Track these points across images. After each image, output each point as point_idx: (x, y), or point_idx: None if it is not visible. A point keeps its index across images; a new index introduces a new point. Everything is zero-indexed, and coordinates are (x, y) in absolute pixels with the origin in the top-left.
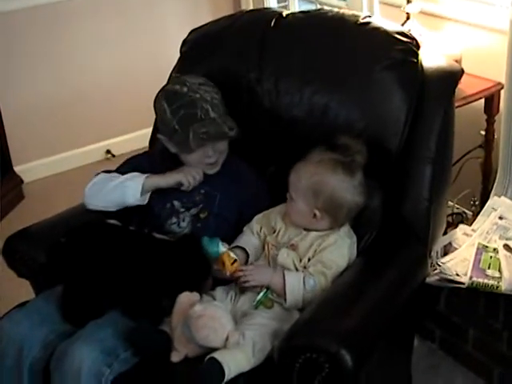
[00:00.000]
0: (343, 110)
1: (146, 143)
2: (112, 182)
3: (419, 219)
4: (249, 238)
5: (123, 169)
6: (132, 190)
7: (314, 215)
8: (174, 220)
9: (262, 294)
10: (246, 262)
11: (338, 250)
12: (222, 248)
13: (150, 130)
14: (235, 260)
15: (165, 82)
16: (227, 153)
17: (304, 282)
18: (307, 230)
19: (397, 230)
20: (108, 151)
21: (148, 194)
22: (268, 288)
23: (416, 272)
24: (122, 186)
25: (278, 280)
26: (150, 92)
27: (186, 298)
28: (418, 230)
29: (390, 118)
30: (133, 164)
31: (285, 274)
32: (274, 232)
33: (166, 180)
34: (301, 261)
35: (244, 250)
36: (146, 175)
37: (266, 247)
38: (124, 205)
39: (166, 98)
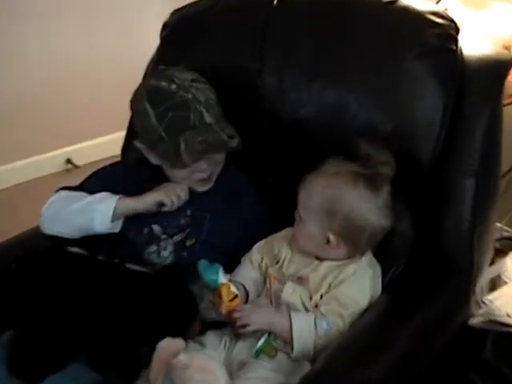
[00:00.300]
0: (363, 110)
1: (115, 151)
2: (75, 203)
3: (459, 246)
4: (247, 271)
5: (89, 185)
6: (101, 214)
7: (328, 240)
8: (154, 248)
9: (262, 340)
10: (246, 302)
11: (357, 283)
12: (223, 278)
13: (119, 135)
14: (236, 296)
15: (135, 82)
16: (223, 164)
17: (315, 326)
18: (319, 258)
19: (431, 259)
20: (68, 160)
21: (121, 220)
22: (270, 333)
23: (456, 312)
24: (89, 210)
25: (282, 323)
26: (118, 91)
27: (167, 345)
28: (457, 260)
29: (423, 119)
30: (101, 178)
31: (291, 316)
32: (278, 262)
33: (143, 201)
34: (311, 298)
35: (242, 286)
36: (118, 196)
37: (268, 281)
38: (90, 232)
39: (150, 97)
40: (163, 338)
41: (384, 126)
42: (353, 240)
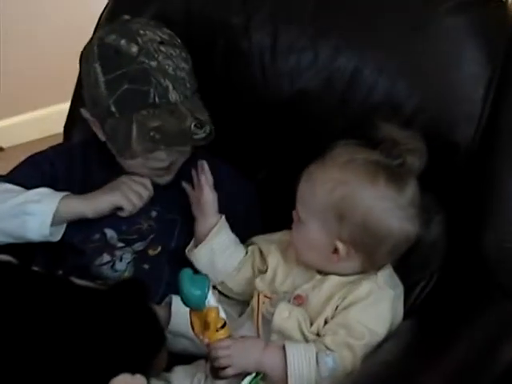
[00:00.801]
0: (383, 80)
1: (52, 129)
2: (4, 201)
3: (506, 259)
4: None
5: (21, 175)
6: (36, 219)
7: (336, 250)
8: (107, 259)
9: (247, 379)
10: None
11: (373, 308)
12: (211, 298)
13: (58, 108)
14: (224, 324)
15: (79, 42)
16: (191, 152)
17: (318, 363)
18: (322, 272)
19: (470, 275)
20: None
21: (63, 226)
22: (258, 373)
23: (502, 345)
24: (20, 212)
25: (273, 362)
26: (58, 52)
27: (123, 383)
28: (504, 277)
29: (460, 92)
30: (37, 166)
31: (286, 350)
32: (266, 272)
33: (94, 205)
34: (312, 324)
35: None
36: (61, 195)
37: (256, 299)
38: (20, 240)
39: (102, 58)
40: (117, 374)
41: (409, 101)
42: (368, 251)
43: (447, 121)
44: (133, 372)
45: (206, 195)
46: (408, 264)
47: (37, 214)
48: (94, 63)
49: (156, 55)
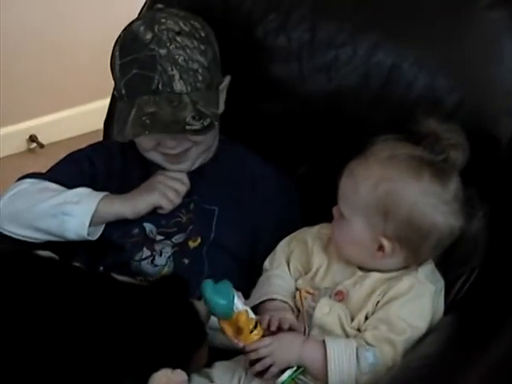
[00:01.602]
0: (422, 75)
1: (91, 126)
2: (43, 200)
3: None
4: (283, 281)
5: (62, 173)
6: (75, 220)
7: (380, 247)
8: (146, 254)
9: (288, 373)
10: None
11: (414, 302)
12: (239, 303)
13: (97, 105)
14: (256, 324)
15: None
16: (214, 140)
17: (358, 358)
18: (364, 269)
19: (510, 271)
20: (32, 138)
21: (102, 226)
22: (299, 366)
23: None
24: (60, 212)
25: (313, 355)
26: (95, 51)
27: (166, 378)
28: None
29: (501, 86)
30: (78, 164)
31: (326, 345)
32: (310, 271)
33: (133, 206)
34: (353, 320)
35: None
36: (101, 195)
37: (298, 296)
38: (59, 239)
39: (121, 42)
40: (158, 368)
41: (449, 97)
42: (413, 247)
43: (488, 115)
44: (174, 367)
45: None
46: (449, 259)
47: (75, 215)
48: (116, 46)
49: (168, 44)
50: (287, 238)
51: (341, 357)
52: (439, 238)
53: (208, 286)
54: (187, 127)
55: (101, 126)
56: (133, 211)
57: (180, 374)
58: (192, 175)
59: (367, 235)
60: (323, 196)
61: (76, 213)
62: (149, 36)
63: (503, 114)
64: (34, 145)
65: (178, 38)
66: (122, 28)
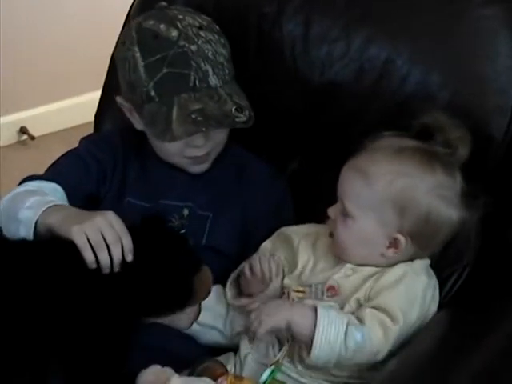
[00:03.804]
0: (416, 71)
1: (84, 118)
2: (20, 202)
3: None
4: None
5: (67, 175)
6: (23, 227)
7: (391, 243)
8: None
9: (267, 373)
10: None
11: (406, 290)
12: None
13: (90, 96)
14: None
15: (109, 31)
16: (225, 142)
17: (346, 334)
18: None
19: (502, 268)
20: (23, 130)
21: None
22: (274, 369)
23: None
24: (15, 218)
25: (303, 321)
26: (89, 42)
27: (152, 376)
28: None
29: (494, 83)
30: (84, 162)
31: (318, 314)
32: (296, 269)
33: (64, 231)
34: (342, 309)
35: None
36: (48, 205)
37: (286, 297)
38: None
39: (142, 42)
40: (170, 304)
41: (442, 93)
42: (426, 241)
43: (480, 112)
44: (180, 295)
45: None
46: (443, 257)
47: (23, 222)
48: (134, 47)
49: (196, 39)
50: (270, 239)
51: (329, 329)
52: (451, 231)
53: None
54: (236, 119)
55: (90, 119)
56: (65, 234)
57: (168, 372)
58: (189, 179)
59: (379, 233)
60: (314, 192)
61: (24, 220)
62: (174, 33)
63: (496, 112)
64: (25, 137)
65: (202, 33)
66: (114, 20)
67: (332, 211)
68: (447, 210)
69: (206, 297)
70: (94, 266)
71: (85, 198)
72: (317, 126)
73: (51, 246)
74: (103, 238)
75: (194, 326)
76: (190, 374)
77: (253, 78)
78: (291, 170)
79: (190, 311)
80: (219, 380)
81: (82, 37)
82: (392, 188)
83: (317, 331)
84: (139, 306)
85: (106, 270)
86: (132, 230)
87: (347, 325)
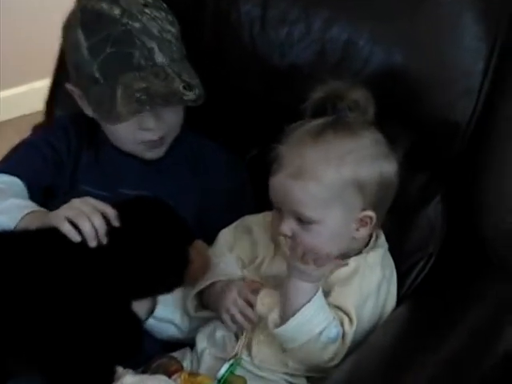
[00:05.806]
0: (378, 52)
1: (31, 107)
2: None
3: (506, 239)
4: (226, 265)
5: (23, 165)
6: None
7: (360, 223)
8: None
9: (225, 367)
10: None
11: (361, 286)
12: None
13: (39, 85)
14: None
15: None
16: (181, 127)
17: (328, 325)
18: None
19: (468, 257)
20: None
21: None
22: (233, 363)
23: (503, 329)
24: None
25: (299, 292)
26: (35, 25)
27: None
28: (503, 258)
29: (460, 65)
30: (40, 152)
31: (315, 296)
32: (255, 260)
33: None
34: None
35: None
36: (29, 209)
37: None
38: None
39: (84, 23)
40: (168, 275)
41: (405, 75)
42: (384, 205)
43: (446, 95)
44: (176, 268)
45: None
46: (405, 244)
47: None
48: (76, 29)
49: (140, 17)
50: (230, 227)
51: (319, 311)
52: (396, 184)
53: None
54: (184, 97)
55: (39, 107)
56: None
57: (119, 370)
58: (144, 167)
59: (348, 220)
60: None
61: (1, 224)
62: (117, 11)
63: (461, 94)
64: None
65: (147, 10)
66: (62, 6)
67: (287, 228)
68: (390, 164)
69: (205, 271)
70: (77, 238)
71: (42, 189)
72: (277, 108)
73: (36, 234)
74: (82, 212)
75: (150, 320)
76: (144, 371)
77: (209, 59)
78: (251, 156)
79: (144, 303)
80: (173, 377)
81: (30, 25)
82: (342, 172)
83: (308, 306)
84: (137, 280)
85: (93, 242)
86: (120, 205)
87: (334, 319)
